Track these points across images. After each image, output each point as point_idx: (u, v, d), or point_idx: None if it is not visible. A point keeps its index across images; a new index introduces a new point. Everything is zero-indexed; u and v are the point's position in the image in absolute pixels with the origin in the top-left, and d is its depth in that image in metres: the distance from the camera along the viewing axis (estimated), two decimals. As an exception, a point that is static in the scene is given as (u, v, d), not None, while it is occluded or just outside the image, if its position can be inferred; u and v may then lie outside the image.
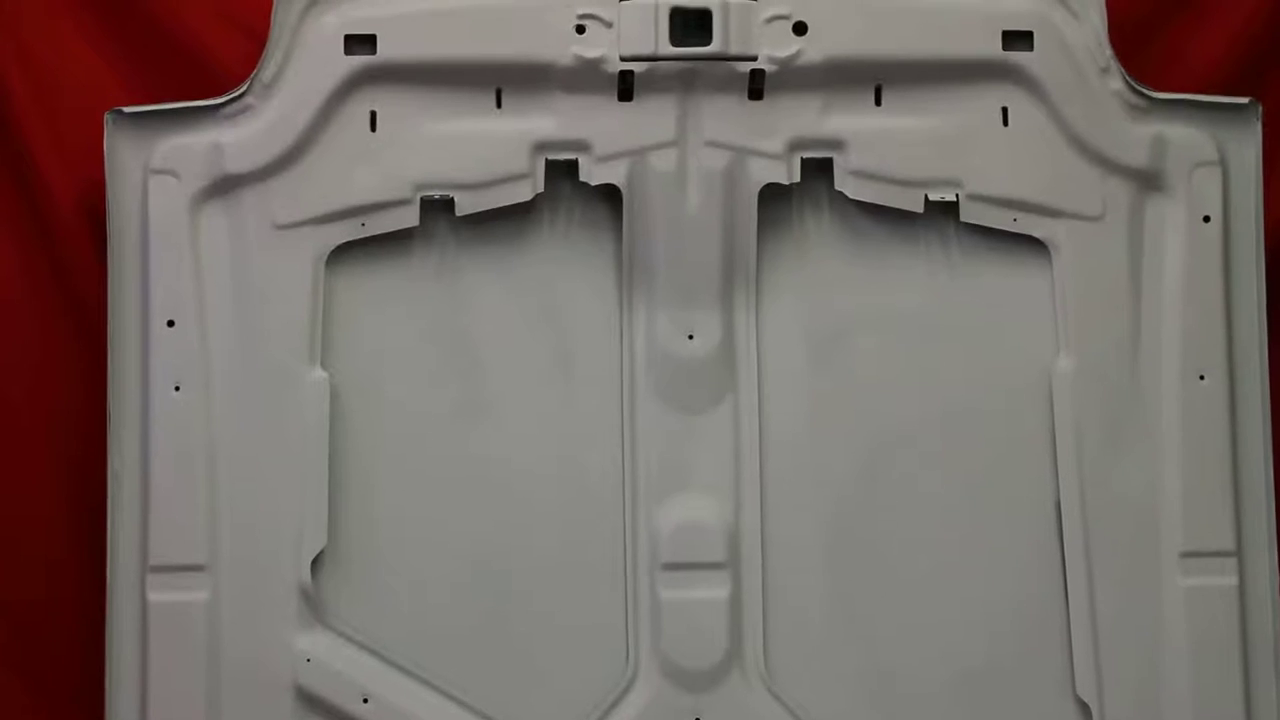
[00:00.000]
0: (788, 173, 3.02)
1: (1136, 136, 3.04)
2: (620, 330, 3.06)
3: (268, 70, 3.00)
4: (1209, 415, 3.02)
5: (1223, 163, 3.05)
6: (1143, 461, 3.03)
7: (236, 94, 3.01)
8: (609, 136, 3.01)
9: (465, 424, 3.05)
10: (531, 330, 3.06)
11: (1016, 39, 3.02)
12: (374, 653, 3.01)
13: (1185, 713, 2.99)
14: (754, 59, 2.99)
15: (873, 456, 3.05)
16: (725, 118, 3.00)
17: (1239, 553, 3.02)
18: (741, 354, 3.05)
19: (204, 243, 3.01)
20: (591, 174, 3.02)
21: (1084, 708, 3.00)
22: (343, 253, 3.03)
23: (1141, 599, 3.01)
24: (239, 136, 3.00)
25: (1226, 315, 3.04)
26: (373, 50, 2.99)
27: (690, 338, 3.03)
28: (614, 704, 3.00)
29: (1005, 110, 3.03)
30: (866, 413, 3.05)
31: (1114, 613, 3.00)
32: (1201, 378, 3.03)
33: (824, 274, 3.07)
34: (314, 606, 2.99)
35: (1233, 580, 3.01)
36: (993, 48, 3.02)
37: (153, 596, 2.98)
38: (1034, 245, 3.06)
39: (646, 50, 2.98)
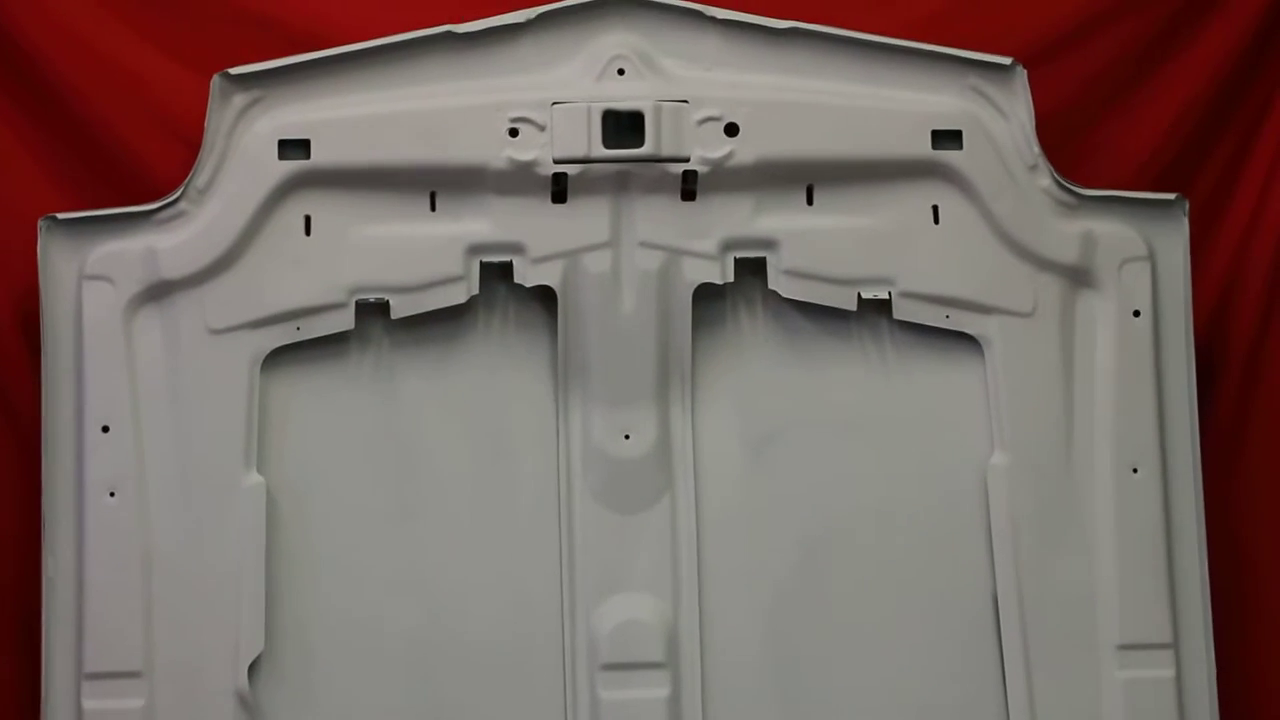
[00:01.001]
0: (721, 272, 3.04)
1: (1066, 233, 3.07)
2: (556, 431, 3.06)
3: (202, 176, 3.00)
4: (1143, 507, 3.04)
5: (1151, 258, 3.08)
6: (1078, 554, 3.04)
7: (171, 199, 3.02)
8: (543, 238, 3.02)
9: (402, 526, 3.04)
10: (467, 432, 3.06)
11: (946, 138, 3.05)
12: (312, 758, 2.99)
13: (1125, 805, 3.00)
14: (686, 160, 3.01)
15: (810, 553, 3.06)
16: (658, 218, 3.03)
17: (1175, 644, 3.03)
18: (678, 453, 3.06)
19: (138, 348, 3.01)
20: (526, 275, 3.03)
21: (1025, 802, 3.00)
22: (278, 356, 3.03)
23: (1079, 691, 3.02)
24: (173, 242, 3.00)
25: (1158, 408, 3.07)
26: (306, 155, 3.00)
27: (626, 438, 3.04)
28: (555, 807, 3.00)
29: (936, 208, 3.06)
30: (803, 509, 3.06)
31: (1052, 705, 3.01)
32: (1135, 470, 3.05)
33: (759, 372, 3.09)
34: (251, 712, 2.97)
35: (1170, 672, 3.02)
36: (922, 147, 3.05)
37: (88, 704, 2.96)
38: (967, 341, 3.08)
39: (580, 152, 3.00)
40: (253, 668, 2.97)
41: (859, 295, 3.05)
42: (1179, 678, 3.03)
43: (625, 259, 3.03)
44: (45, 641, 2.99)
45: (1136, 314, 3.08)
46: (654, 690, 3.00)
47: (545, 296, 3.05)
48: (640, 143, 3.00)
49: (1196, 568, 3.06)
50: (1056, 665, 3.01)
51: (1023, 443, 3.05)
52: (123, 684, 2.96)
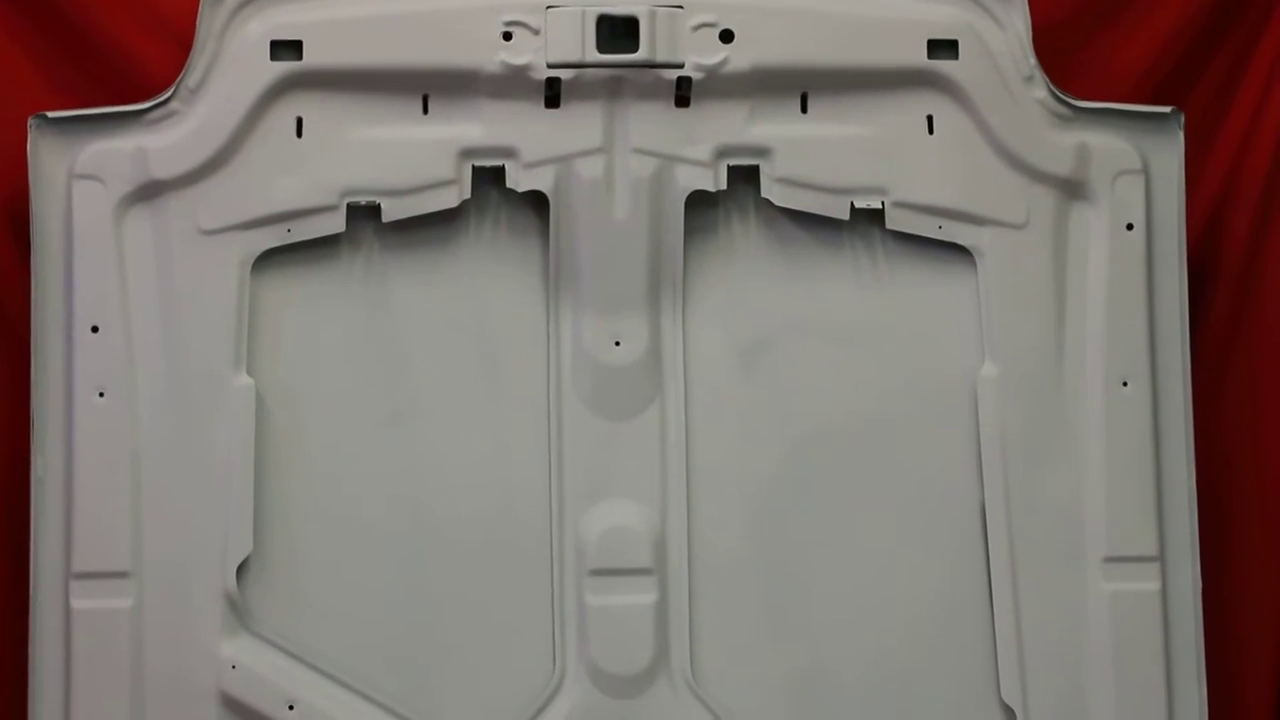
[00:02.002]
0: (714, 180, 3.03)
1: (1060, 145, 3.05)
2: (547, 336, 3.06)
3: (193, 76, 2.99)
4: (1132, 421, 3.04)
5: (1146, 171, 3.07)
6: (1066, 467, 3.04)
7: (162, 99, 3.00)
8: (536, 143, 3.01)
9: (391, 429, 3.04)
10: (458, 337, 3.06)
11: (941, 47, 3.03)
12: (299, 659, 3.00)
13: (1108, 716, 3.00)
14: (680, 66, 2.99)
15: (798, 462, 3.06)
16: (652, 125, 3.01)
17: (1162, 557, 3.04)
18: (668, 360, 3.05)
19: (128, 248, 3.00)
20: (518, 181, 3.02)
21: (1008, 712, 3.01)
22: (269, 258, 3.02)
23: (1065, 604, 3.02)
24: (164, 142, 2.99)
25: (1149, 322, 3.07)
26: (299, 56, 2.98)
27: (617, 344, 3.03)
28: (540, 710, 3.00)
29: (930, 118, 3.04)
30: (792, 418, 3.06)
31: (1038, 617, 3.01)
32: (1125, 384, 3.05)
33: (750, 281, 3.08)
34: (239, 613, 2.98)
35: (1155, 585, 3.03)
36: (918, 56, 3.03)
37: (76, 603, 2.96)
38: (959, 252, 3.07)
39: (573, 57, 2.99)
40: (241, 568, 2.98)
41: (852, 204, 3.04)
42: (1164, 591, 3.03)
43: (618, 165, 3.02)
44: (34, 541, 2.99)
45: (1130, 227, 3.07)
46: (641, 596, 3.01)
47: (537, 202, 3.04)
48: (635, 48, 2.98)
49: (1184, 482, 3.06)
50: (1042, 577, 3.02)
51: (1013, 354, 3.05)
52: (111, 584, 2.97)
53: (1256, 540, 3.26)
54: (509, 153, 3.01)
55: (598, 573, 3.01)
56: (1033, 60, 3.05)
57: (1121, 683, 3.01)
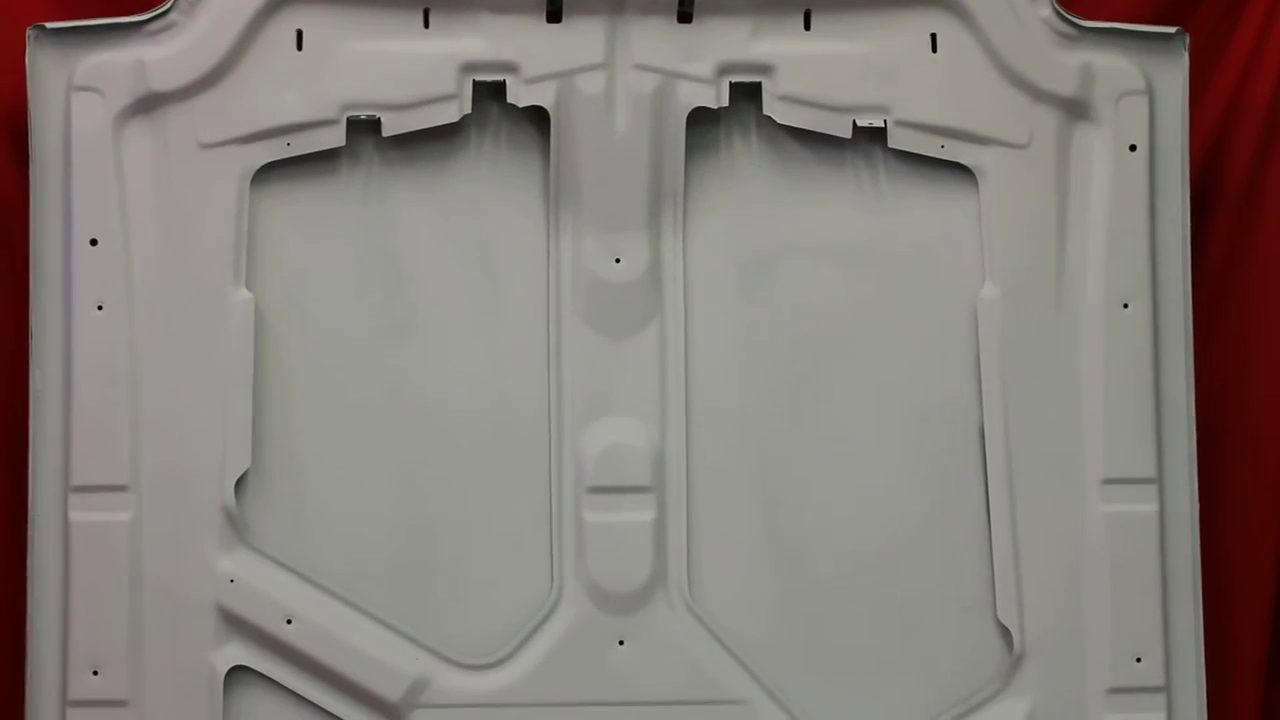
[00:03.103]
0: (716, 97, 3.01)
1: (1064, 65, 3.04)
2: (547, 253, 3.05)
3: (193, -14, 2.97)
4: (1132, 343, 3.04)
5: (1149, 92, 3.06)
6: (1066, 388, 3.04)
7: (161, 10, 2.98)
8: (537, 58, 2.99)
9: (390, 345, 3.03)
10: (458, 253, 3.05)
11: (946, -36, 3.02)
12: (298, 574, 3.00)
13: (1104, 637, 3.01)
14: (683, -20, 2.98)
15: (797, 381, 3.05)
16: (654, 40, 2.99)
17: (1160, 479, 3.04)
18: (668, 278, 3.04)
19: (127, 161, 2.99)
20: (519, 96, 3.00)
21: (1004, 631, 3.02)
22: (268, 173, 3.01)
23: (1062, 525, 3.03)
24: (163, 54, 2.97)
25: (1151, 244, 3.06)
26: None
27: (617, 261, 3.03)
28: (538, 627, 3.01)
29: (934, 36, 3.03)
30: (792, 337, 3.06)
31: (1035, 538, 3.02)
32: (1125, 305, 3.04)
33: (751, 199, 3.07)
34: (237, 527, 2.98)
35: (1153, 507, 3.03)
36: None
37: (75, 516, 2.96)
38: (961, 172, 3.06)
39: (575, -30, 2.97)
40: (240, 483, 2.98)
41: (854, 123, 3.03)
42: (1161, 513, 3.03)
43: (619, 81, 3.00)
44: (32, 454, 2.99)
45: (1133, 148, 3.06)
46: (639, 513, 3.01)
47: (538, 118, 3.02)
48: (636, -39, 2.97)
49: (1183, 404, 3.06)
50: (1040, 498, 3.02)
51: (1014, 275, 3.04)
52: (109, 497, 2.97)
53: (1254, 463, 3.26)
54: (510, 67, 2.99)
55: (596, 490, 3.01)
56: (1037, -21, 3.03)
57: (1117, 604, 3.01)
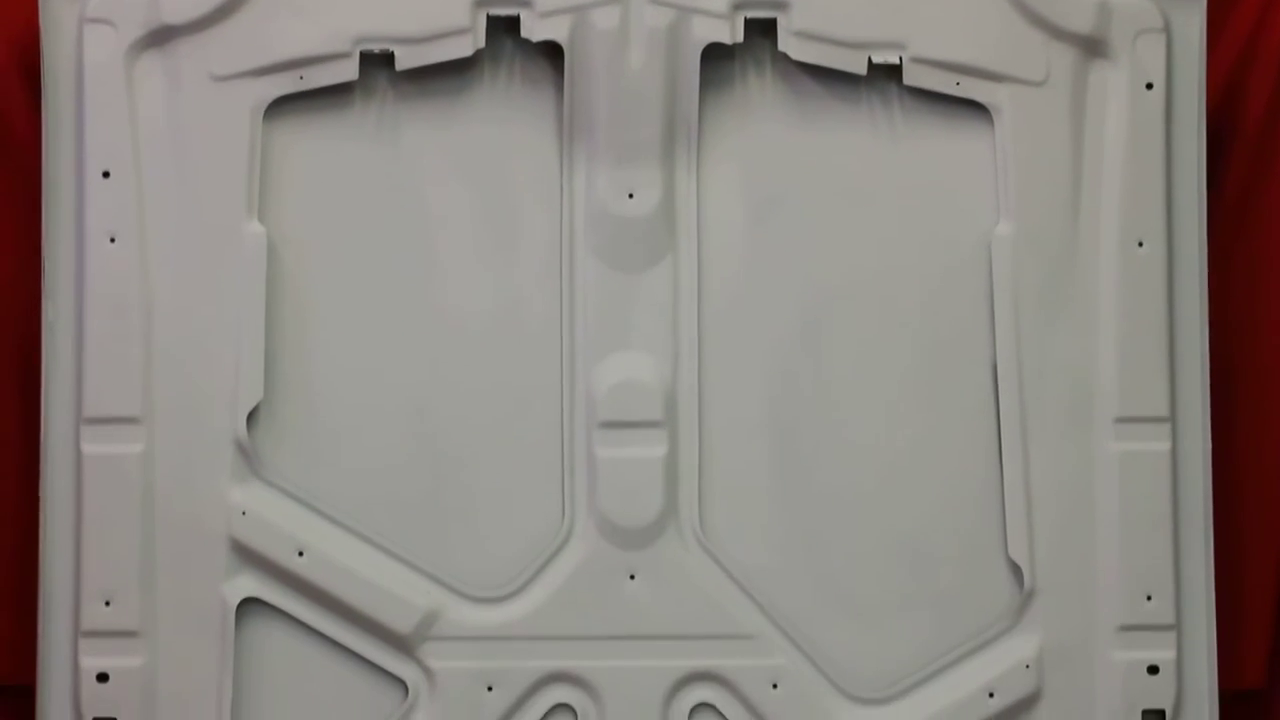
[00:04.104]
0: (731, 32, 3.00)
1: (1081, 2, 3.02)
2: (560, 188, 3.04)
3: (205, -83, 2.96)
4: (1146, 281, 3.03)
5: (1167, 30, 3.04)
6: (1080, 327, 3.03)
7: (174, -59, 2.97)
8: (551, -8, 2.99)
9: (403, 280, 3.03)
10: (470, 188, 3.04)
11: (963, -102, 3.01)
12: (310, 506, 3.00)
13: (1115, 575, 3.01)
14: (698, -86, 2.97)
15: (811, 318, 3.05)
16: None
17: (1172, 418, 3.03)
18: (681, 214, 3.04)
19: (140, 93, 2.98)
20: (533, 30, 2.99)
21: (1015, 569, 3.02)
22: (281, 106, 3.00)
23: (1075, 463, 3.02)
24: (176, -15, 2.97)
25: (1166, 182, 3.04)
26: None
27: (630, 196, 3.02)
28: (549, 561, 3.01)
29: None
30: (805, 273, 3.05)
31: (1047, 476, 3.01)
32: (1140, 244, 3.03)
33: (766, 135, 3.06)
34: (249, 460, 2.98)
35: (1165, 445, 3.02)
36: None
37: (87, 448, 2.97)
38: (977, 110, 3.04)
39: (590, -98, 2.96)
40: (252, 416, 2.98)
41: (869, 59, 3.01)
42: (1174, 451, 3.03)
43: (634, 16, 2.98)
44: (45, 386, 2.99)
45: (1149, 87, 3.04)
46: (651, 449, 3.01)
47: (552, 52, 3.01)
48: (652, -108, 2.95)
49: (1197, 343, 3.05)
50: (1053, 436, 3.02)
51: (1029, 213, 3.03)
52: (122, 429, 2.97)
53: (1267, 402, 3.25)
54: (524, 1, 2.98)
55: (608, 425, 3.01)
56: (1055, -87, 3.02)
57: (1128, 542, 3.01)
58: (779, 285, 3.05)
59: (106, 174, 2.97)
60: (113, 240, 2.97)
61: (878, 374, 3.05)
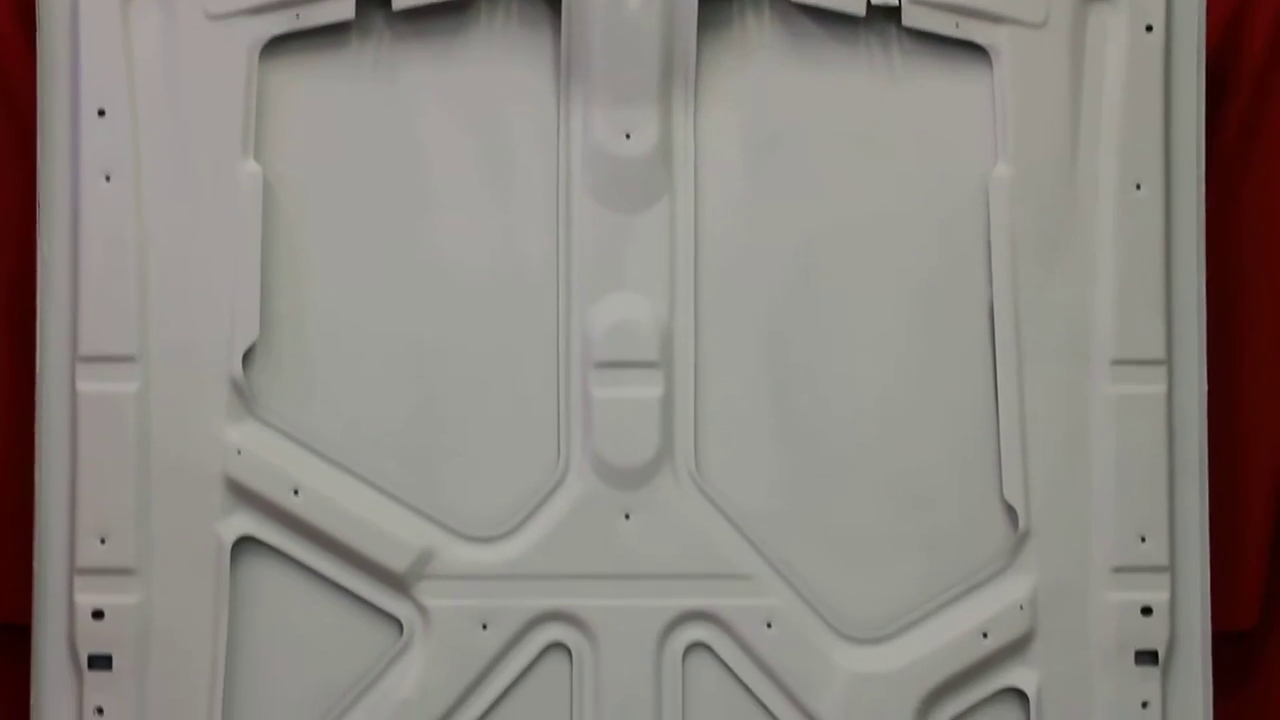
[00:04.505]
0: (729, -28, 3.00)
1: (1081, -57, 3.02)
2: (557, 128, 3.03)
3: None
4: (1143, 224, 3.03)
5: (1166, -29, 3.04)
6: (1077, 269, 3.03)
7: (169, -123, 2.96)
8: (548, -71, 2.98)
9: (399, 220, 3.02)
10: (467, 128, 3.03)
11: None
12: (305, 445, 3.00)
13: (1109, 517, 3.01)
14: None
15: (807, 259, 3.04)
16: None
17: (1168, 361, 3.03)
18: (679, 154, 3.03)
19: (135, 31, 2.97)
20: (530, -31, 2.99)
21: (1010, 510, 3.02)
22: (278, 46, 2.98)
23: (1070, 405, 3.02)
24: (171, -79, 2.96)
25: (1165, 125, 3.04)
26: None
27: (627, 137, 3.01)
28: (544, 500, 3.01)
29: None
30: (802, 216, 3.04)
31: (1043, 418, 3.02)
32: (1138, 187, 3.03)
33: (763, 76, 3.05)
34: (245, 399, 2.98)
35: (1161, 388, 3.03)
36: None
37: (83, 387, 2.96)
38: (975, 52, 3.04)
39: None
40: (247, 355, 2.98)
41: (868, 0, 3.00)
42: (1170, 394, 3.03)
43: (631, -46, 2.98)
44: (40, 325, 2.99)
45: (1149, 29, 3.03)
46: (647, 389, 3.01)
47: (548, -9, 3.01)
48: None
49: (1193, 286, 3.05)
50: (1049, 378, 3.02)
51: (1027, 155, 3.02)
52: (117, 368, 2.97)
53: (1262, 345, 3.26)
54: (521, -60, 2.98)
55: (604, 365, 3.01)
56: None
57: (1123, 484, 3.01)
58: (776, 226, 3.04)
59: (102, 112, 2.96)
60: (108, 179, 2.97)
61: (874, 315, 3.05)
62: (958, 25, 3.02)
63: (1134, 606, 3.01)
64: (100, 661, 2.96)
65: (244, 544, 2.99)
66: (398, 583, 2.99)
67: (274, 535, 2.99)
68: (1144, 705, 3.02)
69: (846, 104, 3.05)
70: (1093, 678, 3.02)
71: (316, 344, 3.01)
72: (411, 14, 3.00)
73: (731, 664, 3.02)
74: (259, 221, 2.97)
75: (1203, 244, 3.06)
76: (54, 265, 2.98)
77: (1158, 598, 3.01)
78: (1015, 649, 3.02)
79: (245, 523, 2.98)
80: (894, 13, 3.02)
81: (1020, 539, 3.01)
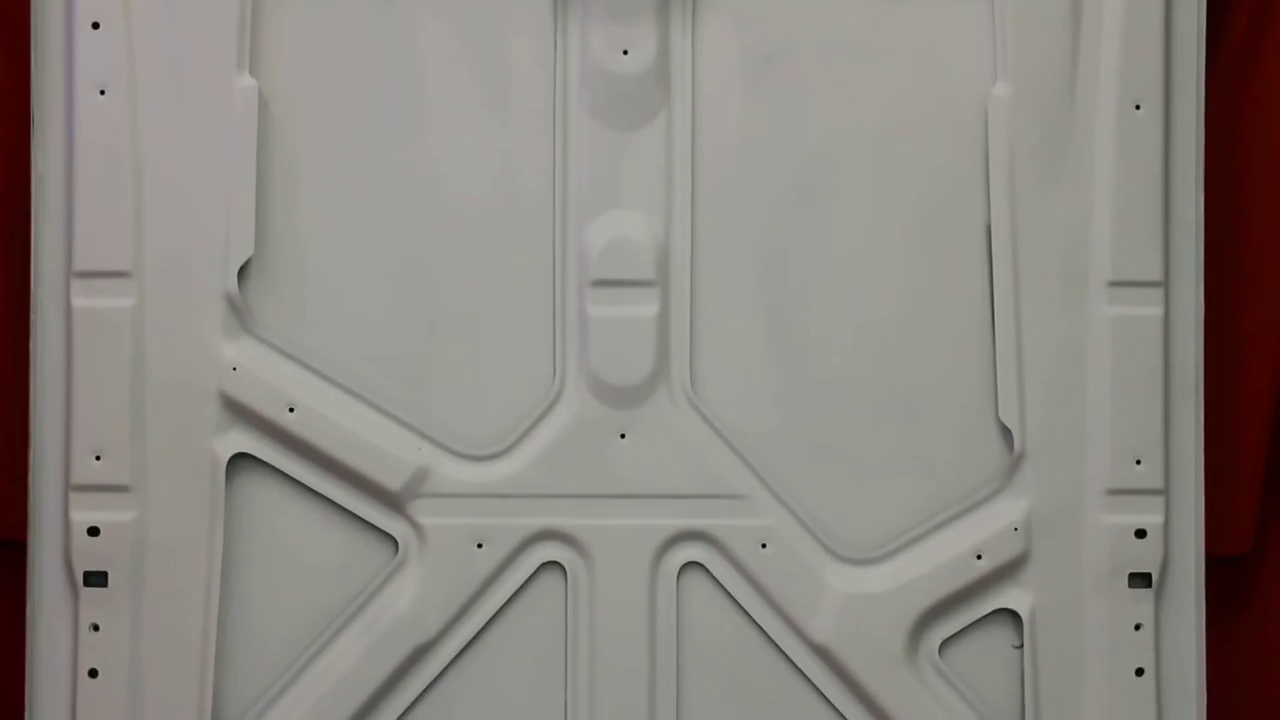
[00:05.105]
0: (729, -115, 2.98)
1: None
2: (554, 45, 3.01)
3: None
4: (1143, 145, 3.01)
5: (1167, -113, 3.02)
6: (1075, 190, 3.02)
7: None
8: None
9: (396, 136, 3.01)
10: (464, 43, 3.01)
11: None
12: (300, 363, 3.00)
13: (1104, 439, 3.01)
14: None
15: (805, 176, 3.03)
16: None
17: (1166, 283, 3.02)
18: (676, 71, 3.01)
19: (130, -57, 2.96)
20: (528, -119, 2.97)
21: (1005, 432, 3.02)
22: (274, -42, 2.98)
23: (1067, 326, 3.02)
24: None
25: (1165, 45, 3.02)
26: None
27: (625, 53, 2.99)
28: (540, 419, 3.01)
29: None
30: (800, 133, 3.03)
31: (1039, 339, 3.01)
32: (1137, 107, 3.01)
33: (762, -7, 3.03)
34: (240, 315, 2.97)
35: (1158, 311, 3.02)
36: None
37: (77, 302, 2.96)
38: (975, -31, 3.02)
39: None
40: (243, 271, 2.97)
41: (868, -83, 3.00)
42: (1167, 316, 3.02)
43: None
44: (34, 239, 2.98)
45: (1149, -52, 3.02)
46: (643, 307, 3.00)
47: (547, -95, 2.99)
48: None
49: (1192, 208, 3.04)
50: (1045, 299, 3.01)
51: (1026, 74, 3.00)
52: (112, 283, 2.96)
53: (1260, 269, 3.24)
54: None
55: (600, 284, 3.00)
56: None
57: (1119, 406, 3.01)
58: (774, 144, 3.03)
59: (96, 25, 2.94)
60: (102, 93, 2.95)
61: (872, 234, 3.04)
62: None
63: (1128, 529, 3.01)
64: (96, 578, 2.96)
65: (239, 461, 2.99)
66: (393, 501, 2.99)
67: (269, 452, 2.99)
68: (1137, 628, 3.02)
69: (846, 21, 3.03)
70: (1086, 600, 3.02)
71: (312, 261, 3.00)
72: (409, -72, 2.98)
73: (726, 584, 3.02)
74: (254, 137, 2.96)
75: (1201, 166, 3.04)
76: (48, 180, 2.97)
77: (1152, 521, 3.01)
78: (1009, 571, 3.03)
79: (240, 440, 2.98)
80: (894, -70, 3.00)
81: (1015, 461, 3.01)
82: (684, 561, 3.02)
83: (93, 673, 2.95)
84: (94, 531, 2.96)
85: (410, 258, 3.01)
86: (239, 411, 2.98)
